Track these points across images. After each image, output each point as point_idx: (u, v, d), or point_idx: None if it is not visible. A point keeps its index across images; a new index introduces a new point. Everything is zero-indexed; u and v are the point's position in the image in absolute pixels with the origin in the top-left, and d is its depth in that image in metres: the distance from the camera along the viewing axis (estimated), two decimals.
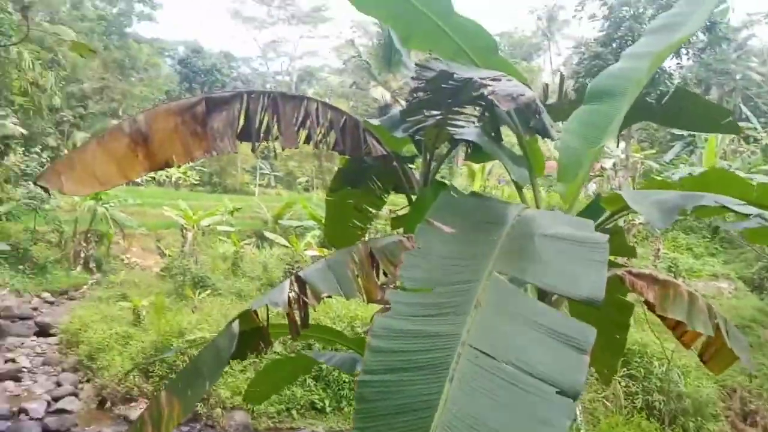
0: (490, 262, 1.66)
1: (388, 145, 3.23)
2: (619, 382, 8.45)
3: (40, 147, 22.27)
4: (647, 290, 2.81)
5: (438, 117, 2.64)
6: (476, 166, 19.08)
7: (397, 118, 3.57)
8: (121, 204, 19.47)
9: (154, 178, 29.27)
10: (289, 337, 2.69)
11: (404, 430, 1.31)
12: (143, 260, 19.00)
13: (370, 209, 4.17)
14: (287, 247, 15.69)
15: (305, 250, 15.15)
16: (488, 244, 1.76)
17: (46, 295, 15.81)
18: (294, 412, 8.38)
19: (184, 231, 17.28)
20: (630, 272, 2.95)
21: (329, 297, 2.50)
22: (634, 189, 19.14)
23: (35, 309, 14.45)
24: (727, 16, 19.86)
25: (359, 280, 2.50)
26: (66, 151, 22.88)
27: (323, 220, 16.90)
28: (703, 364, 3.28)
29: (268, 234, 18.15)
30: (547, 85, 3.29)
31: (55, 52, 22.55)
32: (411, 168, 3.63)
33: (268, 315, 2.50)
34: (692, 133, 19.13)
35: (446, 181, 6.05)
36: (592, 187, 21.12)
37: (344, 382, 8.61)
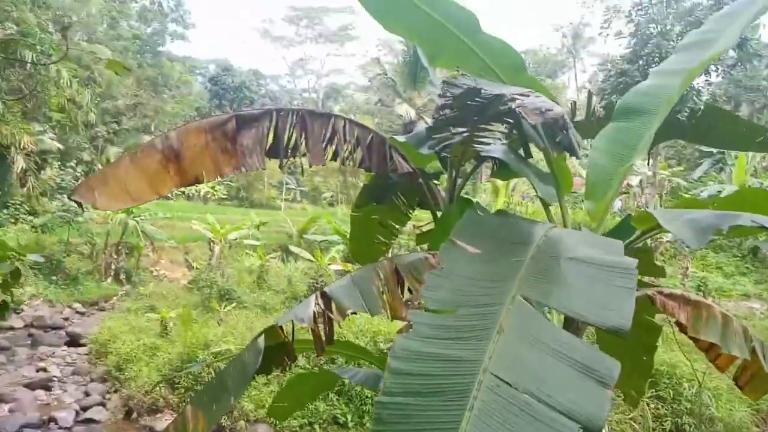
0: (514, 285, 1.64)
1: (414, 162, 3.24)
2: (648, 404, 8.22)
3: (75, 161, 23.01)
4: (679, 311, 2.74)
5: (464, 134, 2.64)
6: (500, 183, 18.95)
7: (422, 134, 3.59)
8: (151, 217, 19.91)
9: (183, 192, 29.87)
10: (314, 352, 2.69)
11: None
12: (171, 272, 19.34)
13: (395, 225, 4.17)
14: (312, 261, 15.78)
15: (329, 264, 15.22)
16: (513, 265, 1.73)
17: (77, 305, 16.18)
18: (317, 426, 8.34)
19: (212, 244, 17.55)
20: (661, 293, 2.88)
21: (354, 313, 2.51)
22: (661, 207, 18.77)
23: (67, 319, 14.80)
24: (758, 33, 19.52)
25: (384, 296, 2.50)
26: (99, 166, 23.53)
27: (347, 235, 16.95)
28: (738, 389, 3.16)
29: (293, 248, 18.31)
30: (574, 102, 3.27)
31: (91, 70, 23.36)
32: (436, 184, 3.63)
33: (293, 330, 2.51)
34: (721, 150, 18.72)
35: (471, 198, 6.03)
36: (617, 204, 20.81)
37: (367, 397, 8.56)
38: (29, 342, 12.54)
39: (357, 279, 2.53)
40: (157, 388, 8.82)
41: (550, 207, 3.24)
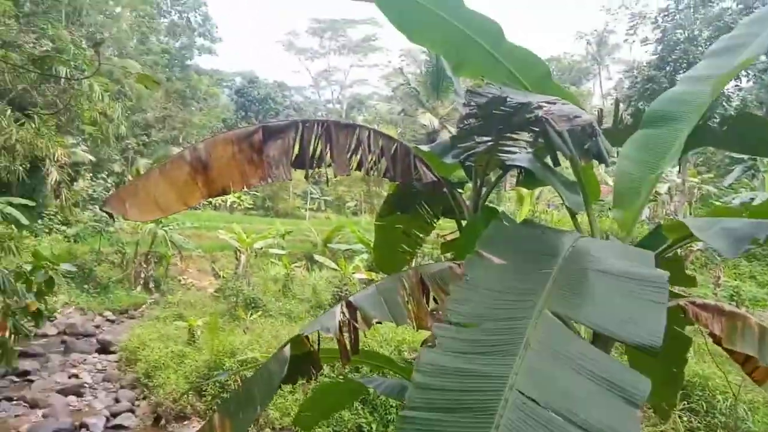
0: (541, 298, 1.60)
1: (438, 171, 3.24)
2: (680, 417, 7.99)
3: (107, 173, 23.63)
4: (713, 322, 2.67)
5: (489, 143, 2.64)
6: (525, 191, 18.78)
7: (446, 144, 3.59)
8: (179, 227, 20.30)
9: (210, 202, 30.38)
10: (339, 361, 2.70)
11: None
12: (199, 281, 19.63)
13: (419, 234, 4.17)
14: (336, 270, 15.85)
15: (353, 273, 15.26)
16: (540, 277, 1.70)
17: (108, 313, 16.53)
18: None
19: (238, 253, 17.77)
20: (693, 303, 2.81)
21: (379, 323, 2.50)
22: (690, 215, 18.33)
23: (97, 327, 15.12)
24: None
25: (409, 306, 2.50)
26: (130, 177, 24.11)
27: (371, 244, 16.99)
28: None
29: (317, 257, 18.42)
30: (601, 109, 3.23)
31: (122, 83, 24.01)
32: (460, 193, 3.62)
33: (319, 340, 2.52)
34: (753, 156, 18.21)
35: (495, 206, 5.99)
36: (645, 212, 20.43)
37: (391, 406, 8.52)
38: (62, 349, 12.84)
39: (382, 288, 2.53)
40: (185, 396, 8.93)
41: (577, 216, 3.20)
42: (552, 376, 1.40)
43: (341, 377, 8.59)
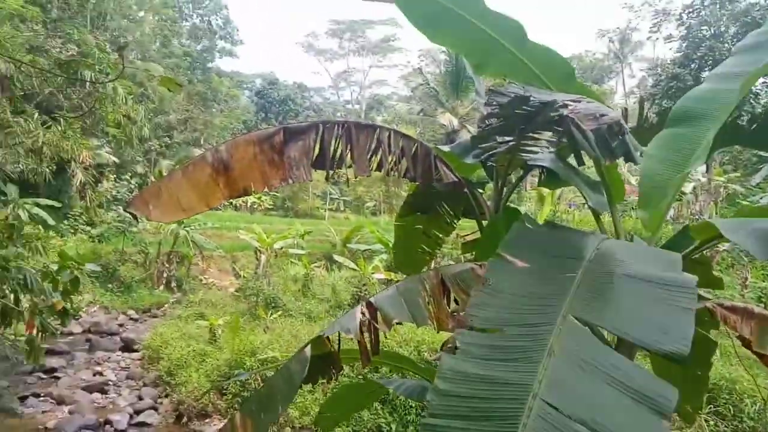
0: (564, 303, 1.57)
1: (459, 171, 3.22)
2: (707, 421, 7.83)
3: (130, 174, 24.06)
4: (742, 325, 2.59)
5: (511, 143, 2.61)
6: (545, 191, 18.60)
7: (467, 144, 3.56)
8: (200, 227, 20.55)
9: (231, 203, 30.69)
10: (359, 362, 2.70)
11: None
12: (220, 281, 19.86)
13: (439, 235, 4.15)
14: (355, 270, 15.88)
15: (373, 273, 15.27)
16: (564, 281, 1.66)
17: (131, 312, 16.82)
18: None
19: (258, 253, 17.93)
20: (721, 305, 2.74)
21: (399, 324, 2.49)
22: (716, 214, 17.89)
23: (121, 325, 15.39)
24: None
25: (430, 307, 2.48)
26: (152, 178, 24.50)
27: (390, 244, 16.99)
28: None
29: (336, 257, 18.49)
30: (625, 108, 3.18)
31: (145, 86, 24.40)
32: (481, 193, 3.59)
33: (339, 341, 2.52)
34: None
35: (517, 206, 5.93)
36: (669, 212, 20.03)
37: (411, 406, 8.51)
38: (87, 347, 13.10)
39: (403, 289, 2.52)
40: (207, 394, 9.03)
41: (601, 216, 3.15)
42: (577, 385, 1.37)
43: (361, 377, 8.60)
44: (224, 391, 9.14)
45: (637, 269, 1.68)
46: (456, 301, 2.57)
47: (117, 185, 23.03)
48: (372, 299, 2.49)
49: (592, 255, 1.81)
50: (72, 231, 19.95)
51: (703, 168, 19.23)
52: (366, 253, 18.95)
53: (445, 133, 29.23)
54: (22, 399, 9.17)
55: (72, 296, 6.71)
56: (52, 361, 11.03)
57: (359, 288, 14.38)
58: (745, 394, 8.12)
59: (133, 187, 23.11)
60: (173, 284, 19.18)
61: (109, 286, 17.74)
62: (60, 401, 9.43)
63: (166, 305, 17.59)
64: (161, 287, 18.93)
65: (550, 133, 2.83)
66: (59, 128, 10.49)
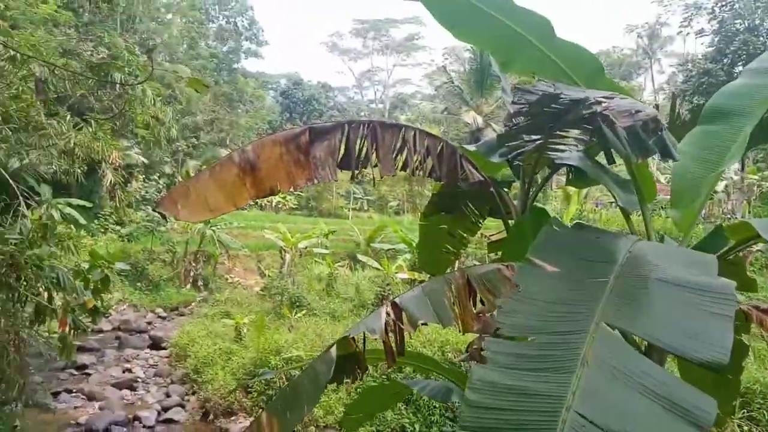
0: (597, 309, 1.52)
1: (484, 170, 3.19)
2: (740, 426, 7.61)
3: (158, 174, 24.52)
4: None
5: (538, 141, 2.57)
6: (572, 190, 18.33)
7: (493, 143, 3.52)
8: (226, 227, 20.83)
9: (256, 203, 31.02)
10: (383, 361, 2.69)
11: None
12: (245, 280, 20.09)
13: (464, 234, 4.11)
14: (379, 269, 15.88)
15: (396, 272, 15.25)
16: (595, 287, 1.61)
17: (159, 310, 17.13)
18: None
19: (283, 252, 18.07)
20: (757, 308, 2.66)
21: (425, 324, 2.48)
22: (750, 213, 17.33)
23: (150, 323, 15.69)
24: None
25: (455, 308, 2.46)
26: (180, 178, 24.92)
27: (414, 244, 16.93)
28: None
29: (360, 256, 18.52)
30: (657, 105, 3.10)
31: (173, 88, 24.83)
32: (507, 192, 3.55)
33: (364, 341, 2.51)
34: None
35: (542, 205, 5.84)
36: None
37: (434, 407, 8.47)
38: (116, 344, 13.38)
39: (428, 290, 2.50)
40: (233, 392, 9.14)
41: (630, 216, 3.08)
42: (612, 396, 1.32)
43: (384, 377, 8.60)
44: (249, 389, 9.23)
45: (671, 274, 1.62)
46: (482, 301, 2.55)
47: (146, 185, 23.51)
48: (397, 299, 2.48)
49: (624, 258, 1.75)
50: (102, 230, 20.41)
51: (736, 165, 18.72)
52: (389, 253, 18.94)
53: (469, 131, 29.05)
54: (55, 394, 9.41)
55: (102, 294, 6.86)
56: (83, 358, 11.29)
57: (383, 287, 14.38)
58: None
59: (161, 187, 23.55)
60: (200, 283, 19.47)
61: (138, 284, 18.10)
62: (91, 397, 9.65)
63: (193, 304, 17.87)
64: (188, 286, 19.24)
65: (577, 131, 2.78)
66: (90, 130, 10.75)
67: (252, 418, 8.71)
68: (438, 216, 3.95)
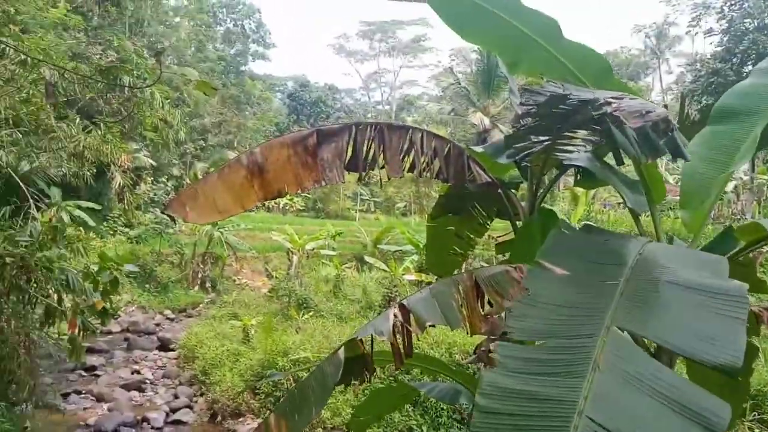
0: (607, 312, 1.50)
1: (492, 172, 3.18)
2: (751, 429, 7.54)
3: (166, 177, 24.66)
4: None
5: (546, 142, 2.56)
6: (579, 191, 18.26)
7: (500, 144, 3.51)
8: (234, 228, 20.90)
9: (263, 205, 31.08)
10: (391, 363, 2.68)
11: None
12: (252, 281, 20.15)
13: (471, 236, 4.10)
14: (386, 271, 15.88)
15: (403, 274, 15.24)
16: (605, 290, 1.59)
17: (167, 312, 17.21)
18: None
19: (290, 254, 18.12)
20: None
21: (432, 326, 2.47)
22: (760, 214, 17.18)
23: (158, 325, 15.76)
24: None
25: (463, 310, 2.45)
26: (188, 180, 25.04)
27: (421, 245, 16.90)
28: None
29: (367, 258, 18.53)
30: (665, 105, 3.08)
31: (181, 91, 24.98)
32: (514, 194, 3.54)
33: (372, 343, 2.51)
34: None
35: (550, 206, 5.82)
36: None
37: (442, 409, 8.46)
38: (125, 345, 13.46)
39: (436, 291, 2.50)
40: (241, 394, 9.16)
41: (639, 217, 3.07)
42: (624, 401, 1.30)
43: (392, 378, 8.59)
44: (257, 391, 9.25)
45: (683, 276, 1.60)
46: (490, 303, 2.54)
47: (154, 188, 23.65)
48: (405, 301, 2.48)
49: (634, 261, 1.73)
50: (111, 232, 20.55)
51: (746, 166, 18.58)
52: (396, 254, 18.93)
53: (476, 132, 29.02)
54: (65, 396, 9.48)
55: (111, 296, 6.91)
56: (93, 359, 11.37)
57: (390, 289, 14.37)
58: None
59: (169, 189, 23.69)
60: (208, 284, 19.55)
61: (147, 286, 18.19)
62: (100, 398, 9.71)
63: (200, 305, 17.94)
64: (196, 287, 19.32)
65: (585, 132, 2.76)
66: (99, 133, 10.84)
67: (260, 420, 8.73)
68: (445, 217, 3.94)
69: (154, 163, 23.59)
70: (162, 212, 2.77)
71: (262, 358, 9.80)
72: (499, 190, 3.16)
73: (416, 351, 3.49)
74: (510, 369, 1.40)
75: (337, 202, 36.15)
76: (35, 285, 6.55)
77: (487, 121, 27.33)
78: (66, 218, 13.59)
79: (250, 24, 47.78)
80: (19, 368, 6.65)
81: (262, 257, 21.99)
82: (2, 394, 6.49)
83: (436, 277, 4.71)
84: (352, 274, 17.86)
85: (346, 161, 2.72)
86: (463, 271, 3.85)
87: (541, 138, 2.52)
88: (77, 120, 11.19)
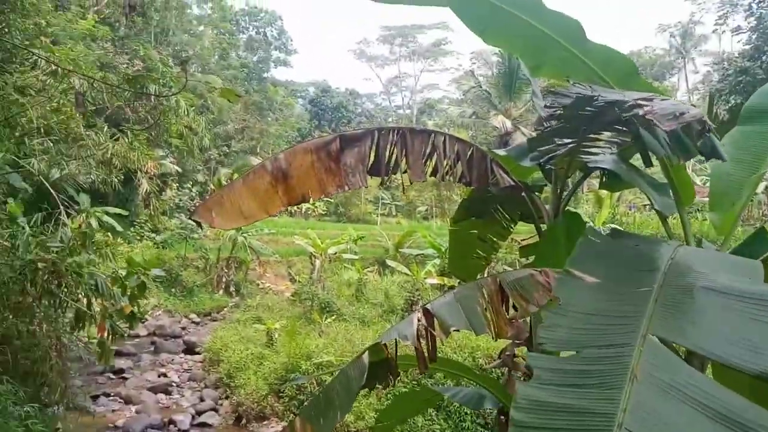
0: (642, 321, 1.46)
1: (515, 174, 3.16)
2: None
3: (191, 183, 25.03)
4: None
5: (571, 144, 2.53)
6: (604, 193, 17.99)
7: (524, 146, 3.49)
8: (257, 233, 21.10)
9: (286, 209, 31.29)
10: (414, 368, 2.68)
11: None
12: (276, 285, 20.31)
13: (495, 239, 4.08)
14: (408, 274, 15.85)
15: (425, 278, 15.19)
16: (639, 297, 1.55)
17: (193, 315, 17.44)
18: None
19: (313, 258, 18.21)
20: None
21: (456, 331, 2.46)
22: None
23: (183, 328, 15.99)
24: None
25: (488, 314, 2.44)
26: (212, 186, 25.39)
27: (443, 249, 16.78)
28: None
29: (389, 262, 18.51)
30: (693, 105, 3.02)
31: (205, 98, 25.37)
32: (538, 196, 3.51)
33: (396, 347, 2.51)
34: None
35: (574, 209, 5.74)
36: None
37: (465, 413, 8.40)
38: (152, 349, 13.67)
39: (460, 296, 2.49)
40: (266, 397, 9.24)
41: (667, 219, 3.01)
42: (663, 412, 1.25)
43: (415, 383, 8.56)
44: (281, 394, 9.31)
45: (719, 281, 1.56)
46: (514, 307, 2.52)
47: (179, 193, 24.03)
48: (429, 306, 2.47)
49: (666, 266, 1.69)
50: (138, 238, 20.93)
51: None
52: (418, 258, 18.89)
53: (498, 135, 28.82)
54: (94, 398, 9.67)
55: (139, 300, 7.04)
56: (120, 363, 11.56)
57: (412, 293, 14.35)
58: None
59: (194, 195, 24.04)
60: (232, 289, 19.76)
61: (173, 290, 18.47)
62: (128, 401, 9.89)
63: (225, 309, 18.14)
64: (221, 291, 19.55)
65: (610, 134, 2.73)
66: (127, 140, 11.08)
67: (284, 423, 8.78)
68: (469, 221, 3.93)
69: (179, 170, 23.98)
70: (189, 218, 2.82)
71: (285, 361, 9.87)
72: (523, 194, 3.14)
73: (439, 355, 3.47)
74: (544, 381, 1.37)
75: (358, 206, 36.24)
76: (66, 290, 6.71)
77: (508, 124, 27.13)
78: (95, 224, 13.89)
79: (272, 31, 48.36)
80: (50, 371, 6.82)
81: (285, 261, 22.16)
82: (35, 396, 6.65)
83: (458, 280, 4.68)
84: (374, 278, 17.87)
85: (369, 166, 2.73)
86: (486, 275, 3.83)
87: (566, 140, 2.49)
88: (105, 128, 11.46)
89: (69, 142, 9.24)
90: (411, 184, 2.88)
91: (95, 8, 19.27)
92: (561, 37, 2.55)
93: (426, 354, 2.46)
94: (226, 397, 10.24)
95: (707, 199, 2.78)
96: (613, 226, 17.64)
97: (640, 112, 1.76)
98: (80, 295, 6.88)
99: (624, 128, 2.14)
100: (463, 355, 9.42)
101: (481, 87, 28.91)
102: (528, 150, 3.24)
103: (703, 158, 2.84)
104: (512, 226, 3.90)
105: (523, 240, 4.24)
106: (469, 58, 54.44)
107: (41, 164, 8.36)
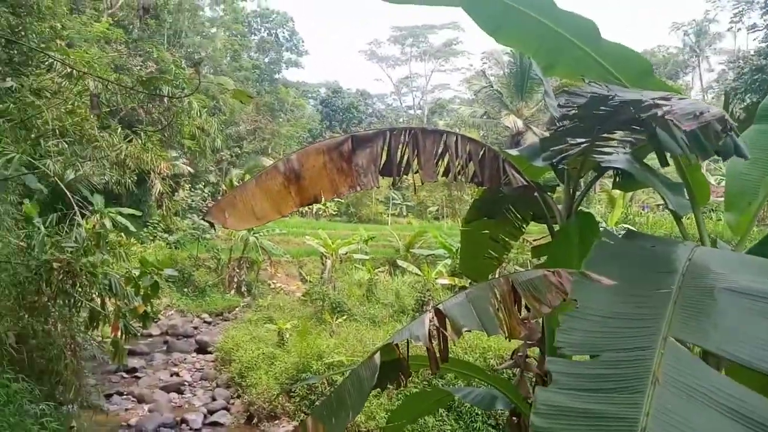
0: (662, 323, 1.43)
1: (527, 174, 3.14)
2: None
3: (203, 183, 25.20)
4: None
5: (584, 144, 2.51)
6: (617, 193, 17.83)
7: (536, 146, 3.47)
8: (269, 233, 21.19)
9: (297, 210, 31.39)
10: (426, 368, 2.68)
11: None
12: (287, 285, 20.38)
13: (507, 240, 4.06)
14: (419, 275, 15.84)
15: (436, 278, 15.16)
16: (658, 299, 1.52)
17: (205, 315, 17.55)
18: None
19: (324, 259, 18.25)
20: None
21: (468, 331, 2.45)
22: None
23: (196, 328, 16.10)
24: None
25: (500, 315, 2.42)
26: (224, 187, 25.54)
27: (454, 249, 16.72)
28: None
29: (400, 262, 18.51)
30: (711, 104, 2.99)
31: (217, 99, 25.53)
32: (550, 196, 3.49)
33: (408, 348, 2.51)
34: None
35: (587, 209, 5.68)
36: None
37: (476, 414, 8.37)
38: (164, 348, 13.78)
39: (472, 296, 2.47)
40: (277, 397, 9.27)
41: (681, 220, 2.98)
42: (688, 418, 1.23)
43: (426, 383, 8.55)
44: (292, 394, 9.34)
45: (739, 282, 1.53)
46: (527, 308, 2.50)
47: (191, 194, 24.20)
48: (441, 306, 2.46)
49: (684, 267, 1.66)
50: (151, 238, 21.10)
51: None
52: (429, 258, 18.86)
53: (509, 135, 28.71)
54: (108, 396, 9.77)
55: (152, 300, 7.09)
56: (133, 362, 11.67)
57: (423, 293, 14.33)
58: None
59: (206, 195, 24.20)
60: (243, 289, 19.86)
61: (185, 290, 18.61)
62: (141, 400, 9.97)
63: (237, 309, 18.24)
64: (232, 291, 19.66)
65: (623, 133, 2.70)
66: (140, 141, 11.20)
67: (295, 423, 8.81)
68: (480, 221, 3.92)
69: (192, 170, 24.15)
70: (202, 219, 2.84)
71: (296, 361, 9.90)
72: (535, 193, 3.12)
73: (450, 355, 3.46)
74: (563, 386, 1.34)
75: (369, 207, 36.25)
76: (80, 289, 6.78)
77: (520, 124, 27.01)
78: (108, 224, 14.05)
79: (283, 32, 48.57)
80: (65, 369, 6.89)
81: (297, 261, 22.24)
82: (50, 395, 6.73)
83: (469, 281, 4.67)
84: (384, 279, 17.86)
85: (381, 166, 2.73)
86: (497, 275, 3.81)
87: (579, 140, 2.47)
88: (119, 129, 11.59)
89: (83, 144, 9.34)
90: (422, 184, 2.88)
91: (109, 11, 19.49)
92: (574, 37, 2.54)
93: (438, 354, 2.45)
94: (238, 397, 10.29)
95: (721, 198, 2.75)
96: (626, 226, 17.48)
97: (659, 112, 1.74)
98: (94, 295, 6.95)
99: (639, 127, 2.11)
100: (474, 356, 9.39)
101: (492, 87, 28.81)
102: (540, 150, 3.23)
103: (717, 158, 2.81)
104: (524, 226, 3.88)
105: (535, 240, 4.22)
106: (480, 58, 54.36)
107: (56, 165, 8.46)
